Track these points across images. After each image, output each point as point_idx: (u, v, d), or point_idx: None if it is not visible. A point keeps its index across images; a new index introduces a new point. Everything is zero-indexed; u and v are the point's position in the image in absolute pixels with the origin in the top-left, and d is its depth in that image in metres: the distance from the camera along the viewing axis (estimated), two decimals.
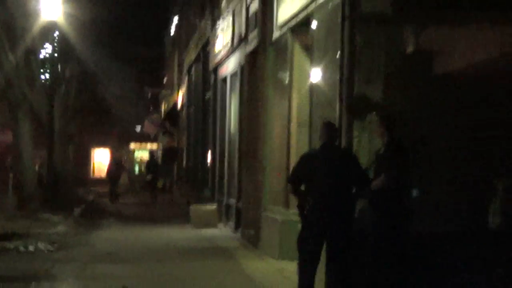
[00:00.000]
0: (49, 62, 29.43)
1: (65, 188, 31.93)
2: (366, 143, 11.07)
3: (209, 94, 27.78)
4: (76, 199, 33.56)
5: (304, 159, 10.17)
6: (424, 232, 10.60)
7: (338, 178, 9.79)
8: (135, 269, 14.63)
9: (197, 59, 31.41)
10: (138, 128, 59.92)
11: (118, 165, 41.90)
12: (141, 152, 61.17)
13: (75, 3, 27.38)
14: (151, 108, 54.26)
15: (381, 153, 10.38)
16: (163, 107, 50.82)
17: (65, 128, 33.49)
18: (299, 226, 12.63)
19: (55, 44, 28.70)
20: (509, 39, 11.78)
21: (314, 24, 13.20)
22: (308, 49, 14.53)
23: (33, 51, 27.54)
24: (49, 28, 27.07)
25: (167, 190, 41.64)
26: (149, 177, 38.23)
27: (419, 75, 11.83)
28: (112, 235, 21.13)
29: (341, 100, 11.07)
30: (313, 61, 13.62)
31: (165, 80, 51.38)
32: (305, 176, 10.00)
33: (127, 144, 60.71)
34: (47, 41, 28.40)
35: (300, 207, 10.09)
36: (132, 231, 22.35)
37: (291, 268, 13.35)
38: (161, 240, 19.73)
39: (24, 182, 26.61)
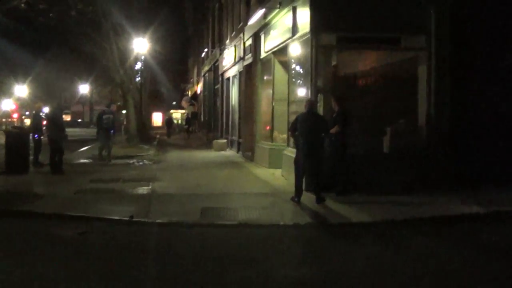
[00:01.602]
0: (140, 71, 27.85)
1: (146, 132, 30.70)
2: (324, 110, 10.21)
3: (217, 86, 26.53)
4: (150, 137, 32.25)
5: (298, 118, 9.19)
6: (352, 153, 9.90)
7: (314, 128, 8.94)
8: (196, 173, 13.66)
9: (209, 70, 30.00)
10: (174, 103, 58.19)
11: (169, 120, 41.25)
12: (176, 114, 59.42)
13: (153, 43, 26.30)
14: (184, 92, 52.33)
15: (335, 116, 9.70)
16: (189, 92, 49.01)
17: (147, 104, 32.37)
18: (282, 151, 11.83)
19: (142, 62, 27.24)
20: (387, 58, 11.23)
21: (291, 49, 12.03)
22: (282, 63, 13.50)
23: (131, 66, 26.23)
24: (140, 55, 25.57)
25: (194, 132, 40.43)
26: (185, 126, 37.35)
27: (343, 75, 11.14)
28: (175, 155, 19.99)
29: (311, 89, 10.16)
30: (289, 69, 12.43)
31: (190, 80, 49.53)
32: (298, 127, 9.10)
33: (169, 110, 58.95)
34: (139, 61, 26.83)
35: (296, 143, 9.23)
36: (184, 153, 21.19)
37: (277, 172, 12.58)
38: (201, 158, 18.59)
39: (130, 130, 25.58)
